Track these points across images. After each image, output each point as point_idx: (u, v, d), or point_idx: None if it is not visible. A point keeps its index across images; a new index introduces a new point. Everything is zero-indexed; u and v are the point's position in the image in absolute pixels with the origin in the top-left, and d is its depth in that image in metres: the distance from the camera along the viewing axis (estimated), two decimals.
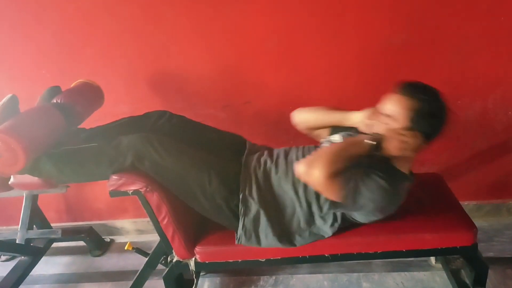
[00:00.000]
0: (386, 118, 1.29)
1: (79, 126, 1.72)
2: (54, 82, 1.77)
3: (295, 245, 1.42)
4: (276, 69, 1.92)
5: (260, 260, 1.47)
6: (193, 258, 1.52)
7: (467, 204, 2.05)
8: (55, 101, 1.63)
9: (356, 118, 1.41)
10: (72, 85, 1.77)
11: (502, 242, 1.94)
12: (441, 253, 1.49)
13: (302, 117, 1.54)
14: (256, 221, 1.42)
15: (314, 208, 1.41)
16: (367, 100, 1.93)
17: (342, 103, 1.94)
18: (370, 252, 1.42)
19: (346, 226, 1.43)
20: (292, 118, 1.56)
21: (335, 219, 1.40)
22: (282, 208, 1.43)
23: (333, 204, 1.36)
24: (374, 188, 1.28)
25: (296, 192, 1.42)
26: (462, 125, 1.95)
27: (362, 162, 1.31)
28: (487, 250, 1.87)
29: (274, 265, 1.78)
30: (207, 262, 1.51)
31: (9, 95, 1.57)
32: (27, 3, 1.89)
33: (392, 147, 1.29)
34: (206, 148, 1.55)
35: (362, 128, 1.38)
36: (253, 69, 1.94)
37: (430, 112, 1.27)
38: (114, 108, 1.92)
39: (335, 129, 1.53)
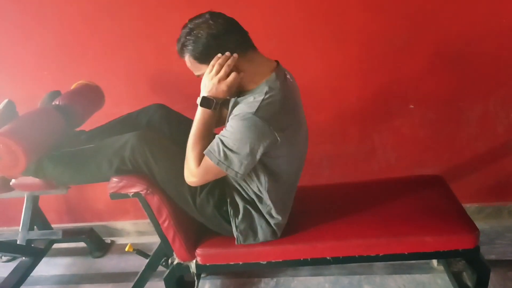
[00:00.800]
0: (195, 73, 1.31)
1: (79, 128, 1.72)
2: (55, 83, 1.78)
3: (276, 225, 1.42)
4: None
5: (261, 262, 1.47)
6: (194, 260, 1.51)
7: (468, 207, 2.04)
8: (55, 103, 1.64)
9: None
10: (72, 87, 1.77)
11: (504, 244, 1.93)
12: (443, 256, 1.48)
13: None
14: (247, 217, 1.41)
15: (251, 193, 1.40)
16: (368, 101, 1.95)
17: (343, 104, 1.96)
18: (372, 254, 1.42)
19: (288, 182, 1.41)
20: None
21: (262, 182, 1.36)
22: (253, 198, 1.42)
23: (249, 175, 1.34)
24: (232, 128, 1.23)
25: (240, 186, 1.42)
26: (463, 127, 1.95)
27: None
28: (489, 253, 1.86)
29: (275, 268, 1.78)
30: (208, 264, 1.51)
31: (5, 101, 1.58)
32: (28, 5, 1.89)
33: (222, 90, 1.26)
34: None
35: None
36: None
37: (196, 39, 1.23)
38: (115, 109, 1.91)
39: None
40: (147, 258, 1.71)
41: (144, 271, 1.70)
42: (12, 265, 2.00)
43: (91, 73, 1.94)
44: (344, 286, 1.78)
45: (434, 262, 1.81)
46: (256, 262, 1.47)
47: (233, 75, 1.25)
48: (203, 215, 1.44)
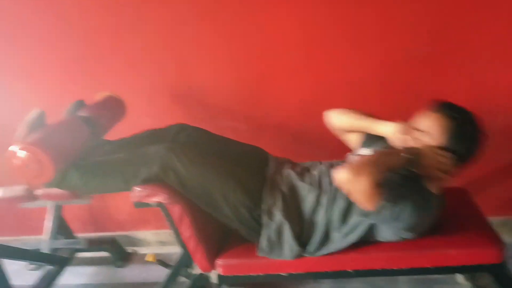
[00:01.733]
0: (422, 134, 1.30)
1: (104, 139, 1.76)
2: (79, 94, 1.83)
3: (314, 255, 1.42)
4: (297, 82, 1.94)
5: (282, 274, 1.46)
6: (215, 271, 1.52)
7: (493, 220, 1.99)
8: (80, 114, 1.68)
9: (387, 128, 1.40)
10: (96, 98, 1.82)
11: None
12: (468, 271, 1.45)
13: (334, 118, 1.55)
14: (279, 232, 1.42)
15: (335, 221, 1.40)
16: (389, 112, 1.92)
17: None
18: (394, 268, 1.40)
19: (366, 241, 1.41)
20: (325, 117, 1.57)
21: (354, 231, 1.38)
22: (304, 220, 1.43)
23: (364, 214, 1.34)
24: (411, 203, 1.28)
25: (318, 203, 1.42)
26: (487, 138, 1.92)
27: (396, 178, 1.30)
28: None
29: (297, 280, 1.76)
30: (228, 275, 1.51)
31: (38, 111, 1.61)
32: (55, 19, 1.96)
33: (428, 164, 1.27)
34: (229, 159, 1.56)
35: (392, 140, 1.37)
36: (274, 81, 1.96)
37: (466, 134, 1.28)
38: (137, 120, 1.95)
39: (367, 141, 1.53)
40: (168, 268, 1.72)
41: (165, 281, 1.71)
42: (37, 273, 2.04)
43: (114, 85, 1.99)
44: None
45: (460, 277, 1.77)
46: (277, 274, 1.47)
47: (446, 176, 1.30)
48: (235, 214, 1.44)
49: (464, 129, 1.28)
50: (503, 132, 1.90)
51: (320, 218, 1.42)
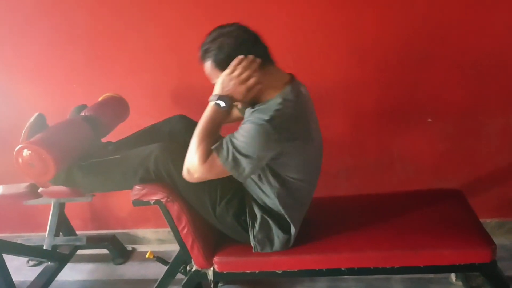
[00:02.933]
0: (212, 80, 1.33)
1: (106, 139, 1.79)
2: (84, 96, 1.87)
3: (290, 234, 1.44)
4: None
5: (277, 271, 1.49)
6: (212, 268, 1.55)
7: (489, 221, 2.02)
8: (83, 114, 1.72)
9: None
10: (100, 99, 1.86)
11: None
12: (459, 270, 1.47)
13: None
14: (264, 227, 1.44)
15: (266, 199, 1.44)
16: (386, 114, 1.96)
17: (361, 117, 1.97)
18: (387, 267, 1.42)
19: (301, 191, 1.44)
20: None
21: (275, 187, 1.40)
22: (270, 207, 1.45)
23: (260, 179, 1.38)
24: (245, 133, 1.25)
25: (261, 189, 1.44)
26: (483, 140, 1.94)
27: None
28: (509, 268, 1.82)
29: (291, 277, 1.79)
30: (224, 272, 1.54)
31: (36, 114, 1.65)
32: (60, 22, 2.00)
33: (239, 93, 1.28)
34: None
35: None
36: None
37: (218, 45, 1.28)
38: (139, 121, 1.98)
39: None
40: (166, 265, 1.74)
41: (163, 278, 1.74)
42: (38, 269, 2.08)
43: (118, 86, 2.02)
44: None
45: (453, 277, 1.79)
46: (272, 271, 1.50)
47: (254, 79, 1.28)
48: (222, 223, 1.49)
49: (213, 46, 1.28)
50: (500, 134, 1.92)
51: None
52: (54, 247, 2.12)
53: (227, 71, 1.29)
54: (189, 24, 1.91)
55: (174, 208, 1.49)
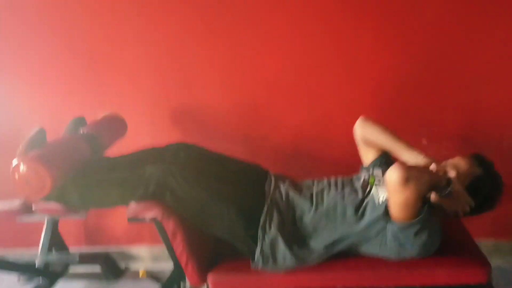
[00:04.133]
0: (450, 170, 1.34)
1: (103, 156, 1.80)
2: (82, 108, 1.87)
3: (308, 263, 1.44)
4: (293, 105, 1.99)
5: None
6: (205, 286, 1.53)
7: (484, 243, 2.01)
8: (82, 132, 1.73)
9: (415, 159, 1.42)
10: (99, 117, 1.87)
11: None
12: None
13: (368, 128, 1.55)
14: (273, 245, 1.44)
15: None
16: None
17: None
18: (382, 286, 1.41)
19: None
20: (357, 125, 1.56)
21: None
22: (300, 235, 1.46)
23: (384, 220, 1.36)
24: (433, 230, 1.32)
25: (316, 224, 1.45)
26: None
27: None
28: None
29: None
30: None
31: (37, 128, 1.65)
32: (60, 31, 2.02)
33: (456, 197, 1.31)
34: (226, 180, 1.58)
35: None
36: (271, 104, 2.00)
37: (485, 187, 1.36)
38: (136, 139, 1.99)
39: (382, 161, 1.58)
40: (160, 284, 1.73)
41: None
42: (29, 286, 2.04)
43: (115, 102, 2.04)
44: None
45: None
46: None
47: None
48: (231, 234, 1.48)
49: (486, 182, 1.36)
50: (495, 155, 1.92)
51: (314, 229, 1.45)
52: (46, 264, 2.09)
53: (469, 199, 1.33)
54: (190, 44, 1.95)
55: (170, 225, 1.48)
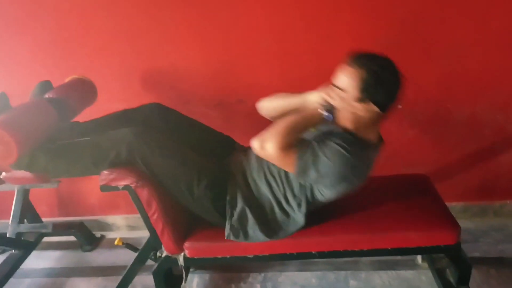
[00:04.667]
0: (339, 90, 1.31)
1: (72, 120, 1.73)
2: (49, 76, 1.79)
3: (279, 237, 1.45)
4: (269, 69, 1.95)
5: (248, 256, 1.50)
6: (182, 254, 1.53)
7: (454, 205, 2.08)
8: (48, 96, 1.65)
9: (314, 96, 1.42)
10: (66, 80, 1.79)
11: (488, 243, 1.97)
12: (425, 252, 1.52)
13: (265, 105, 1.58)
14: (242, 219, 1.45)
15: (289, 197, 1.45)
16: None
17: None
18: (356, 249, 1.45)
19: (318, 208, 1.46)
20: (258, 109, 1.61)
21: (304, 203, 1.43)
22: (263, 204, 1.47)
23: (302, 185, 1.40)
24: (332, 154, 1.28)
25: (270, 186, 1.47)
26: (451, 128, 1.99)
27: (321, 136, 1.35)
28: (473, 250, 1.90)
29: (262, 261, 1.80)
30: (195, 257, 1.53)
31: None
32: (26, 1, 1.90)
33: (345, 119, 1.34)
34: (196, 148, 1.57)
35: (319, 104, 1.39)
36: (246, 68, 1.96)
37: (380, 81, 1.27)
38: (108, 105, 1.92)
39: None
40: (136, 252, 1.73)
41: (133, 264, 1.72)
42: (1, 257, 2.01)
43: (85, 68, 1.95)
44: (331, 281, 1.81)
45: (419, 259, 1.84)
46: (243, 256, 1.50)
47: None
48: (199, 205, 1.47)
49: (376, 77, 1.27)
50: (468, 121, 1.97)
51: (273, 201, 1.47)
52: (19, 234, 2.05)
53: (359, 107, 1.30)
54: (160, 6, 1.85)
55: (144, 193, 1.46)
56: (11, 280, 1.90)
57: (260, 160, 1.48)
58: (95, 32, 1.94)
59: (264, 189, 1.47)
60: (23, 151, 1.44)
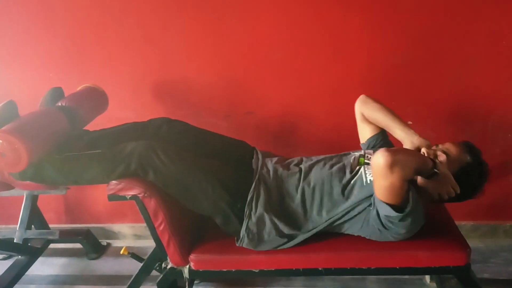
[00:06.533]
0: (440, 154, 1.38)
1: (83, 129, 1.74)
2: (60, 85, 1.81)
3: (294, 242, 1.44)
4: (280, 82, 1.95)
5: (253, 270, 1.48)
6: (187, 266, 1.52)
7: (464, 225, 2.06)
8: (59, 104, 1.66)
9: (411, 137, 1.44)
10: (77, 89, 1.80)
11: (498, 264, 1.93)
12: (434, 272, 1.49)
13: (367, 110, 1.59)
14: (260, 222, 1.43)
15: (323, 211, 1.43)
16: None
17: (343, 119, 1.97)
18: (363, 267, 1.43)
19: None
20: (358, 101, 1.62)
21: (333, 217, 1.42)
22: (286, 212, 1.45)
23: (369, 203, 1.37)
24: (421, 211, 1.34)
25: (303, 201, 1.44)
26: None
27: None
28: (483, 272, 1.87)
29: (268, 276, 1.78)
30: (200, 270, 1.52)
31: (7, 100, 1.58)
32: (39, 8, 1.93)
33: (443, 182, 1.33)
34: (209, 155, 1.57)
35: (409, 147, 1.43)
36: (257, 80, 1.97)
37: (472, 176, 1.40)
38: (118, 113, 1.95)
39: (379, 138, 1.62)
40: (141, 262, 1.72)
41: (138, 274, 1.71)
42: (8, 263, 2.01)
43: (97, 77, 1.97)
44: None
45: (427, 278, 1.81)
46: (249, 270, 1.48)
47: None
48: (216, 210, 1.46)
49: (474, 170, 1.39)
50: (478, 139, 1.94)
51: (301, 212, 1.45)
52: (26, 240, 2.06)
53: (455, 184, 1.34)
54: (172, 17, 1.88)
55: (151, 204, 1.46)
56: (16, 287, 1.90)
57: (307, 174, 1.48)
58: (107, 41, 1.96)
59: (296, 200, 1.45)
60: (33, 159, 1.45)
